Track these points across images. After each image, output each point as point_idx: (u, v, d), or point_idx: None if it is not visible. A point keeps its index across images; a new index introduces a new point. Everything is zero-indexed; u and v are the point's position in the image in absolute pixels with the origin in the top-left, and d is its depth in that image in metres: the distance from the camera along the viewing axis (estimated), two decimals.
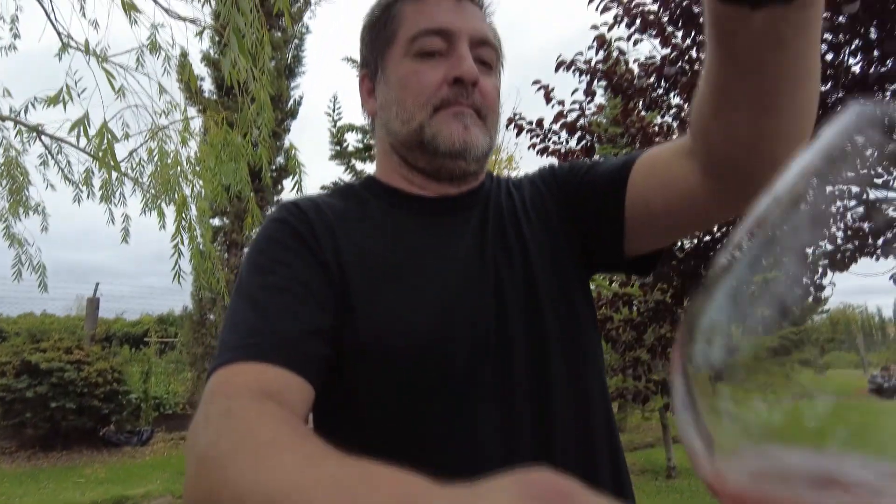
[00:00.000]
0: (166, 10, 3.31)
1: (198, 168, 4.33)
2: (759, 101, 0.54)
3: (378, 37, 0.81)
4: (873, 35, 2.61)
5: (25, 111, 4.16)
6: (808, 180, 0.25)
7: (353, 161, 10.10)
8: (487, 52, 0.78)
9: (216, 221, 9.37)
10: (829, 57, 2.64)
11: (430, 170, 0.79)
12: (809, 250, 0.26)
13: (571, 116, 3.34)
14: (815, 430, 0.24)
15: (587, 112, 3.38)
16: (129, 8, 2.77)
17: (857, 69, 2.66)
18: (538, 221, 0.80)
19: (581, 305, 0.77)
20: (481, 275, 0.74)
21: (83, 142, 3.34)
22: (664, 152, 0.72)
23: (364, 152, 9.98)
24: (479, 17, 0.79)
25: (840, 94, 2.66)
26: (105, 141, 2.61)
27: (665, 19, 2.98)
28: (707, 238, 3.07)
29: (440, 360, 0.68)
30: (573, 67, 3.21)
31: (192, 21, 3.47)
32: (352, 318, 0.69)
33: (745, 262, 0.27)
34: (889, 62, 2.48)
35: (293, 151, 4.10)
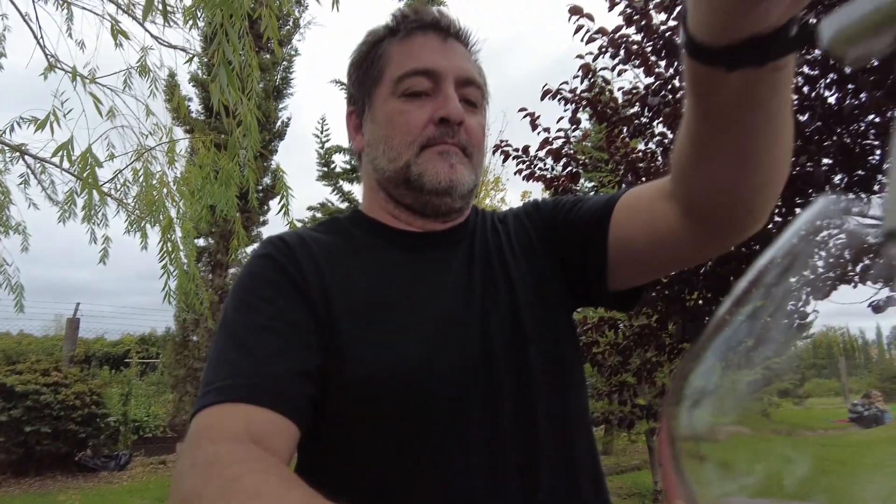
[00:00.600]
0: (156, 38, 3.33)
1: (184, 189, 4.32)
2: (736, 154, 0.56)
3: (365, 75, 0.82)
4: (847, 69, 2.70)
5: (11, 131, 4.13)
6: (780, 266, 0.26)
7: (341, 182, 10.12)
8: (472, 92, 0.80)
9: (201, 242, 9.29)
10: (805, 89, 2.72)
11: (417, 206, 0.80)
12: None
13: (557, 143, 3.39)
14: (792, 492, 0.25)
15: (572, 139, 3.44)
16: (119, 33, 2.78)
17: (832, 100, 2.74)
18: (523, 256, 0.81)
19: (565, 339, 0.78)
20: (467, 309, 0.74)
21: (67, 163, 3.32)
22: (646, 193, 0.73)
23: (351, 173, 10.00)
24: (464, 56, 0.81)
25: (818, 125, 2.74)
26: (88, 164, 2.59)
27: (649, 50, 3.06)
28: (688, 270, 3.13)
29: (426, 398, 0.68)
30: (558, 96, 3.27)
31: (183, 49, 3.49)
32: (338, 357, 0.68)
33: (734, 328, 0.28)
34: (862, 95, 2.56)
35: (280, 174, 4.09)
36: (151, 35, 3.42)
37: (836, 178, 2.78)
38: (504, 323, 0.74)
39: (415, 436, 0.67)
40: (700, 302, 3.00)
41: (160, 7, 2.31)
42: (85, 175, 2.56)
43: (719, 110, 0.53)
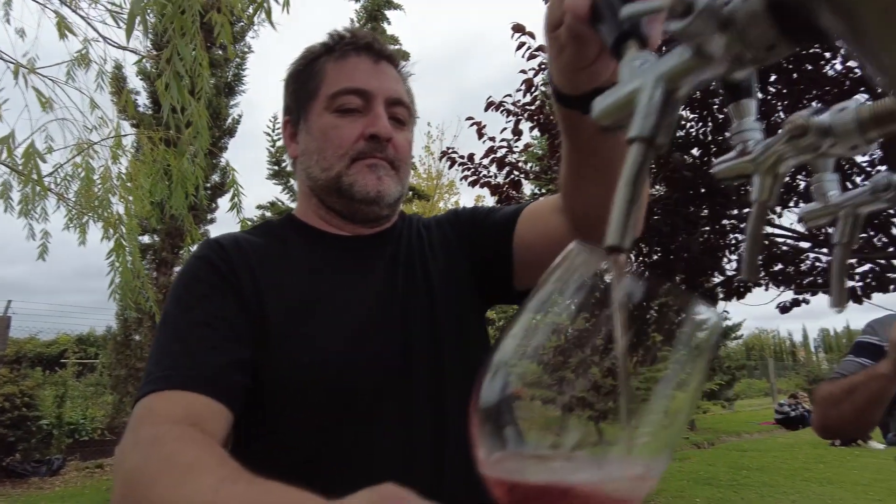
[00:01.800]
0: (104, 38, 3.30)
1: (129, 185, 4.24)
2: (602, 177, 0.68)
3: (301, 89, 0.89)
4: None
5: None
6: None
7: (292, 181, 10.03)
8: (401, 111, 0.88)
9: (146, 239, 9.04)
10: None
11: (347, 213, 0.88)
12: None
13: (501, 152, 3.56)
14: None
15: (515, 149, 3.61)
16: (65, 28, 2.76)
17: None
18: (443, 259, 0.91)
19: (476, 334, 0.89)
20: (390, 307, 0.83)
21: (7, 155, 3.23)
22: (544, 206, 0.85)
23: None
24: (394, 78, 0.89)
25: None
26: (32, 162, 2.57)
27: None
28: None
29: (347, 387, 0.77)
30: (502, 108, 3.44)
31: (133, 51, 3.46)
32: (268, 350, 0.75)
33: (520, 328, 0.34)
34: None
35: (231, 172, 4.09)
36: (100, 35, 3.38)
37: None
38: (422, 320, 0.83)
39: (337, 420, 0.75)
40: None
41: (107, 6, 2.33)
42: (28, 169, 2.54)
43: (584, 142, 0.65)
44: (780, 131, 0.40)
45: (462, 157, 3.60)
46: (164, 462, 0.54)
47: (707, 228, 3.53)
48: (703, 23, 0.27)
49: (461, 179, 3.55)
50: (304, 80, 0.88)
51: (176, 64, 2.35)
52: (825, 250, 3.57)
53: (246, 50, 10.14)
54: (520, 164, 3.55)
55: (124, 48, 3.37)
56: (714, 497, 6.26)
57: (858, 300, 3.60)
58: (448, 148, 3.61)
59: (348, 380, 0.76)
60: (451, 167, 3.45)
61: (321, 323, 0.79)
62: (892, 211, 3.44)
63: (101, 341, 10.96)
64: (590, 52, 0.53)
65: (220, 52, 8.92)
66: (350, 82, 0.85)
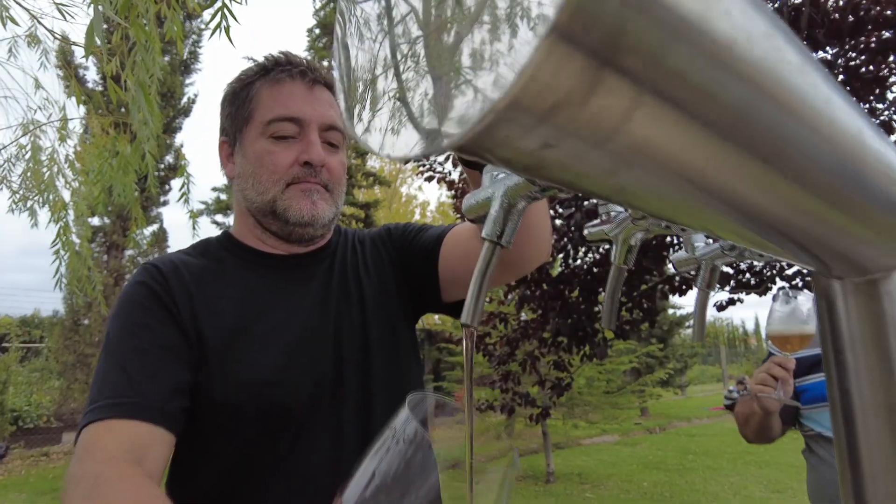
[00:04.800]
0: (50, 32, 3.17)
1: (78, 166, 4.10)
2: None
3: (237, 112, 0.90)
4: None
5: None
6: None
7: None
8: (334, 135, 0.91)
9: (95, 221, 8.74)
10: None
11: (282, 234, 0.91)
12: None
13: None
14: None
15: None
16: (9, 20, 2.64)
17: None
18: (375, 273, 0.96)
19: (406, 347, 0.94)
20: (323, 324, 0.87)
21: None
22: (464, 231, 0.90)
23: None
24: (327, 102, 0.91)
25: None
26: None
27: None
28: (566, 269, 3.49)
29: (282, 403, 0.81)
30: None
31: (81, 46, 3.32)
32: (207, 373, 0.80)
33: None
34: None
35: (182, 161, 3.99)
36: (46, 28, 3.24)
37: None
38: (354, 335, 0.88)
39: (272, 433, 0.80)
40: (579, 298, 3.33)
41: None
42: None
43: None
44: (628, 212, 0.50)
45: None
46: None
47: None
48: None
49: (417, 174, 3.57)
50: (239, 104, 0.90)
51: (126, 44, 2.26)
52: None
53: (202, 27, 9.84)
54: None
55: (75, 44, 3.24)
56: (661, 481, 6.54)
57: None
58: None
59: (284, 394, 0.81)
60: (406, 162, 3.46)
61: (257, 342, 0.83)
62: None
63: (47, 324, 10.58)
64: None
65: (175, 30, 8.60)
66: (284, 110, 0.87)
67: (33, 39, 3.73)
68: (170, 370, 0.77)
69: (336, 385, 0.84)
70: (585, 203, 3.25)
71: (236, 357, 0.80)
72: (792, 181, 0.20)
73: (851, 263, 0.26)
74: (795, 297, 1.27)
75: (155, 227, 9.42)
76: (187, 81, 9.84)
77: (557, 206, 3.38)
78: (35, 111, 4.03)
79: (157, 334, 0.79)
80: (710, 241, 0.59)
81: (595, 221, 0.56)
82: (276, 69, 0.90)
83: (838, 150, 0.21)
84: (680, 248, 0.63)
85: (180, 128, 9.65)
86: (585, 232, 0.57)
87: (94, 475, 0.65)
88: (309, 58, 0.93)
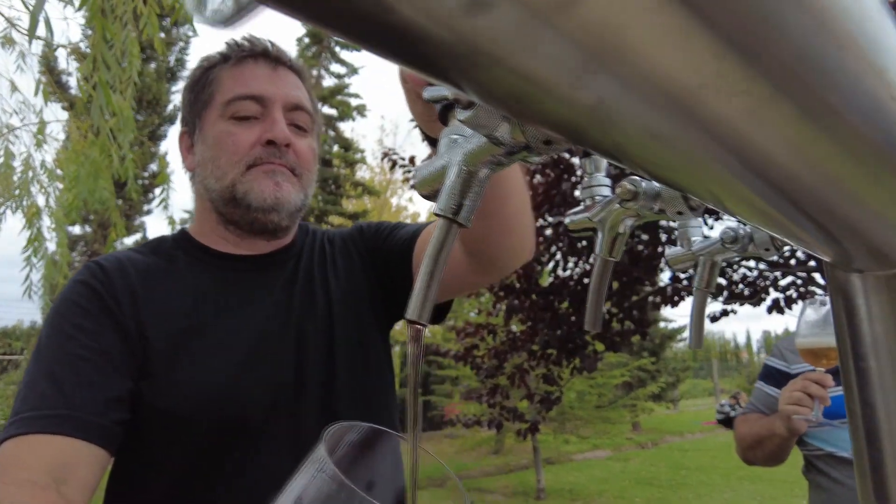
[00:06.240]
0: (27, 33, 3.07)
1: (58, 172, 3.99)
2: (482, 213, 0.68)
3: (197, 98, 0.84)
4: None
5: None
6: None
7: None
8: (301, 117, 0.84)
9: (76, 230, 8.57)
10: None
11: (244, 224, 0.83)
12: None
13: None
14: None
15: None
16: None
17: None
18: (344, 275, 0.88)
19: (376, 354, 0.86)
20: (283, 330, 0.79)
21: None
22: None
23: None
24: (293, 84, 0.85)
25: None
26: None
27: None
28: (556, 280, 3.42)
29: (235, 413, 0.73)
30: None
31: (65, 47, 3.24)
32: (150, 380, 0.72)
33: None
34: None
35: (164, 168, 3.89)
36: (19, 30, 3.15)
37: None
38: (318, 342, 0.80)
39: (223, 449, 0.72)
40: (569, 310, 3.24)
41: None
42: None
43: None
44: (613, 194, 0.43)
45: (403, 158, 3.53)
46: None
47: (639, 240, 3.61)
48: (486, 114, 0.29)
49: (402, 182, 3.49)
50: (199, 90, 0.85)
51: (104, 54, 2.18)
52: (752, 262, 3.81)
53: (189, 35, 9.76)
54: None
55: (63, 46, 3.15)
56: (654, 497, 6.43)
57: (781, 311, 3.84)
58: (389, 149, 3.54)
59: (237, 405, 0.74)
60: (391, 169, 3.37)
61: (206, 349, 0.75)
62: None
63: (26, 335, 10.35)
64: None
65: (163, 36, 8.54)
66: (245, 88, 0.81)
67: (7, 41, 3.63)
68: (107, 378, 0.69)
69: (296, 396, 0.77)
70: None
71: (184, 363, 0.73)
72: (830, 133, 0.15)
73: (877, 253, 0.22)
74: (826, 304, 1.12)
75: (138, 236, 9.27)
76: (173, 89, 9.76)
77: (546, 215, 3.29)
78: (10, 115, 3.92)
79: (93, 338, 0.71)
80: (708, 236, 0.53)
81: (577, 208, 0.49)
82: (236, 52, 0.84)
83: None
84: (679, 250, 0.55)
85: (165, 135, 9.55)
86: (567, 220, 0.50)
87: (4, 501, 0.58)
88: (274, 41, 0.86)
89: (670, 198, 0.41)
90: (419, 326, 0.30)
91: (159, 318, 0.75)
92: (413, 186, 0.39)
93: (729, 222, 0.53)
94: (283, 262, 0.87)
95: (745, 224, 0.50)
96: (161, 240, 0.88)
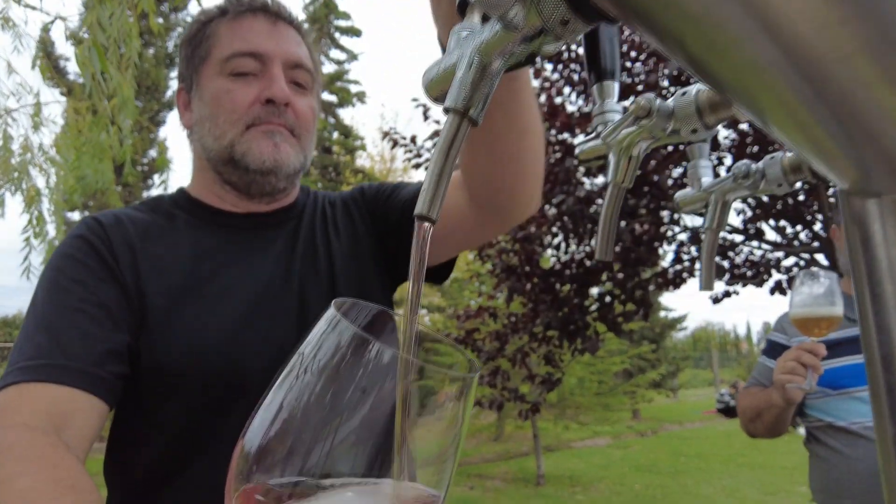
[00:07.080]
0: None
1: (56, 157, 3.97)
2: (492, 151, 0.66)
3: (194, 53, 0.82)
4: None
5: None
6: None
7: None
8: (302, 75, 0.82)
9: (76, 215, 8.56)
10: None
11: (242, 185, 0.81)
12: None
13: None
14: None
15: None
16: None
17: None
18: (346, 237, 0.86)
19: None
20: (284, 289, 0.78)
21: None
22: None
23: None
24: (294, 40, 0.83)
25: None
26: None
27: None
28: (558, 262, 3.41)
29: (234, 369, 0.72)
30: None
31: (61, 17, 3.20)
32: (148, 335, 0.72)
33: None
34: None
35: (165, 151, 3.87)
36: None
37: None
38: (320, 302, 0.78)
39: (221, 408, 0.72)
40: (571, 292, 3.23)
41: None
42: None
43: None
44: (626, 112, 0.42)
45: (405, 138, 3.51)
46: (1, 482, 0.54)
47: (643, 220, 3.60)
48: None
49: (404, 161, 3.48)
50: (196, 44, 0.83)
51: (100, 28, 2.15)
52: (756, 243, 3.81)
53: (189, 19, 9.69)
54: None
55: (34, 8, 3.10)
56: (653, 483, 6.46)
57: (784, 292, 3.85)
58: (390, 128, 3.52)
59: (235, 363, 0.73)
60: (392, 148, 3.36)
61: (205, 305, 0.74)
62: (815, 207, 3.65)
63: None
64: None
65: (161, 21, 8.47)
66: (244, 44, 0.79)
67: (6, 22, 3.59)
68: (104, 330, 0.69)
69: None
70: (577, 190, 3.16)
71: (182, 319, 0.73)
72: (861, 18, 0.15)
73: None
74: (818, 277, 1.18)
75: None
76: (172, 75, 9.72)
77: (550, 197, 3.28)
78: (8, 97, 3.89)
79: (91, 291, 0.71)
80: (718, 175, 0.53)
81: (587, 137, 0.47)
82: (234, 6, 0.82)
83: None
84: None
85: (164, 121, 9.51)
86: (577, 150, 0.49)
87: (3, 443, 0.58)
88: None
89: (685, 115, 0.40)
90: (427, 224, 0.29)
91: (157, 275, 0.74)
92: (424, 89, 0.37)
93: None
94: (283, 222, 0.85)
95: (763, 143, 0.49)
96: (159, 198, 0.87)
